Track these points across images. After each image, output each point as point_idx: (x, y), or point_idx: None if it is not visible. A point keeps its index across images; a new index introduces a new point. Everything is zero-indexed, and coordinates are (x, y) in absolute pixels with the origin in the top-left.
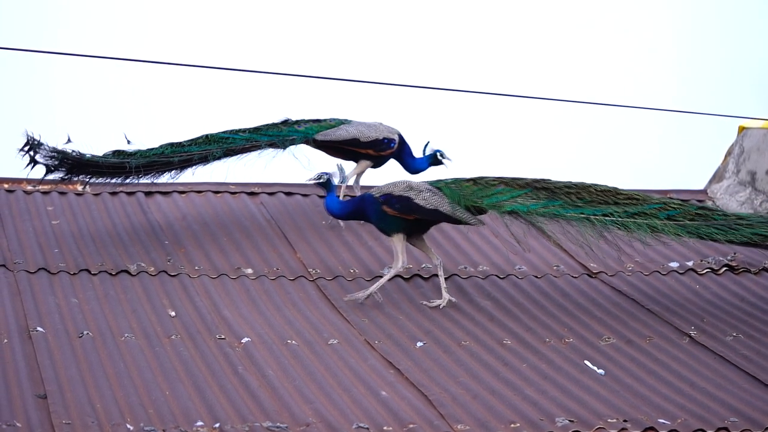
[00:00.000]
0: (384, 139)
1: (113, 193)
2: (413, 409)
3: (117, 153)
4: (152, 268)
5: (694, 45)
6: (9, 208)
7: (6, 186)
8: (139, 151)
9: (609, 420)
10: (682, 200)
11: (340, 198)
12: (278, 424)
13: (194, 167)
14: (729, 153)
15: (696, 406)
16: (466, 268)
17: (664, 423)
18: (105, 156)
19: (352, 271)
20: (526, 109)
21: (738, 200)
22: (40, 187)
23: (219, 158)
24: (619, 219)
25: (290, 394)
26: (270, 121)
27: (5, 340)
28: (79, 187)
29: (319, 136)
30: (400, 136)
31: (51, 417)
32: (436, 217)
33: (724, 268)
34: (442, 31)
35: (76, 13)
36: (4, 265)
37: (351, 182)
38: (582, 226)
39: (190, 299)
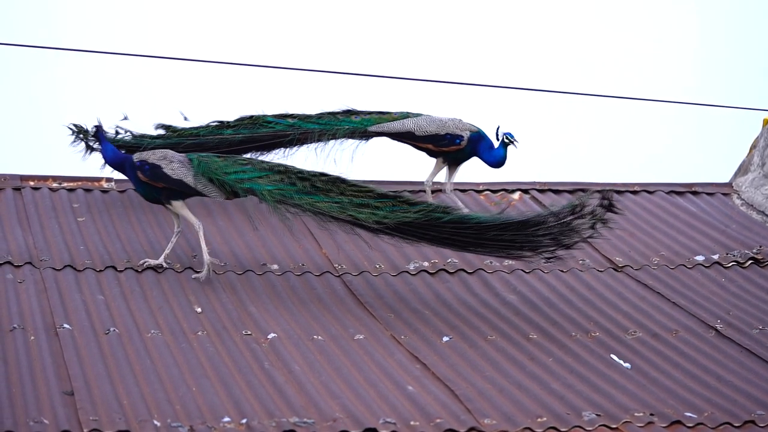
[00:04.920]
0: (446, 135)
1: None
2: (440, 403)
3: (166, 128)
4: (178, 265)
5: (719, 38)
6: (35, 205)
7: (32, 184)
8: (186, 129)
9: (636, 414)
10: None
11: None
12: (305, 419)
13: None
14: (754, 146)
15: (723, 399)
16: (491, 263)
17: (690, 416)
18: (156, 134)
19: (377, 266)
20: (554, 102)
21: (763, 193)
22: (66, 184)
23: (237, 148)
24: (346, 207)
25: (317, 389)
26: (330, 111)
27: (32, 337)
28: (105, 185)
29: (373, 128)
30: (476, 134)
31: (78, 414)
32: (180, 187)
33: (750, 261)
34: (450, 25)
35: (87, 8)
36: (30, 263)
37: (427, 183)
38: (312, 211)
39: (216, 295)
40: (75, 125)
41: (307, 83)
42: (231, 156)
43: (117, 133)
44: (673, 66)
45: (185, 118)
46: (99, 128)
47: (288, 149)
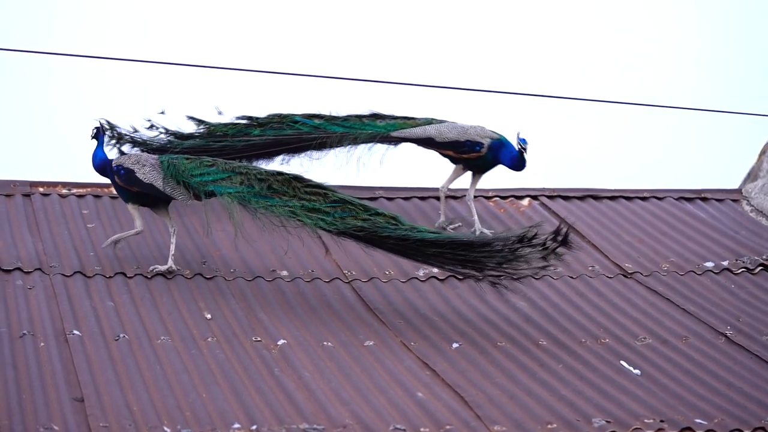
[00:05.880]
0: (466, 141)
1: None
2: (450, 410)
3: (199, 122)
4: (187, 271)
5: (728, 43)
6: (44, 211)
7: (41, 190)
8: (217, 125)
9: (645, 420)
10: (356, 204)
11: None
12: (315, 425)
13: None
14: (763, 152)
15: (733, 406)
16: None
17: (700, 423)
18: (188, 133)
19: (387, 272)
20: (563, 108)
21: None
22: (75, 190)
23: (264, 151)
24: (297, 211)
25: (327, 395)
26: (357, 114)
27: (42, 344)
28: (114, 191)
29: (396, 133)
30: (497, 141)
31: (88, 420)
32: (151, 191)
33: (760, 268)
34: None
35: (103, 12)
36: (40, 269)
37: (442, 189)
38: (269, 214)
39: (226, 302)
40: (107, 122)
41: (336, 91)
42: (198, 157)
43: (152, 127)
44: (681, 70)
45: (219, 113)
46: (99, 130)
47: (317, 152)
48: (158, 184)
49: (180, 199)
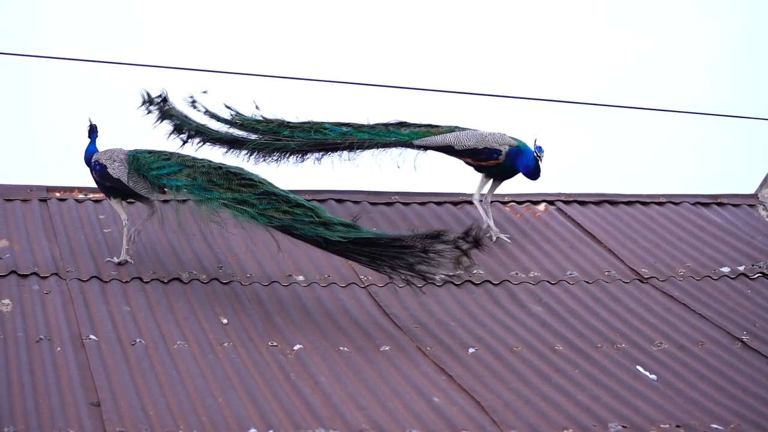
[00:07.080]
0: (484, 149)
1: (164, 201)
2: (466, 415)
3: (235, 114)
4: (204, 276)
5: (745, 48)
6: (61, 216)
7: (58, 195)
8: (249, 118)
9: (662, 425)
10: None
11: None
12: (331, 430)
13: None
14: None
15: (749, 411)
16: (517, 274)
17: (717, 428)
18: (224, 118)
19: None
20: (579, 113)
21: None
22: (91, 195)
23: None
24: (228, 204)
25: (343, 400)
26: (384, 122)
27: (58, 349)
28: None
29: (417, 141)
30: (515, 149)
31: (104, 424)
32: (120, 186)
33: None
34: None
35: (120, 18)
36: (56, 274)
37: (475, 197)
38: (207, 207)
39: (242, 307)
40: (147, 93)
41: (367, 97)
42: (159, 151)
43: (194, 104)
44: (697, 75)
45: (257, 107)
46: (93, 128)
47: (349, 152)
48: (124, 179)
49: (143, 193)
